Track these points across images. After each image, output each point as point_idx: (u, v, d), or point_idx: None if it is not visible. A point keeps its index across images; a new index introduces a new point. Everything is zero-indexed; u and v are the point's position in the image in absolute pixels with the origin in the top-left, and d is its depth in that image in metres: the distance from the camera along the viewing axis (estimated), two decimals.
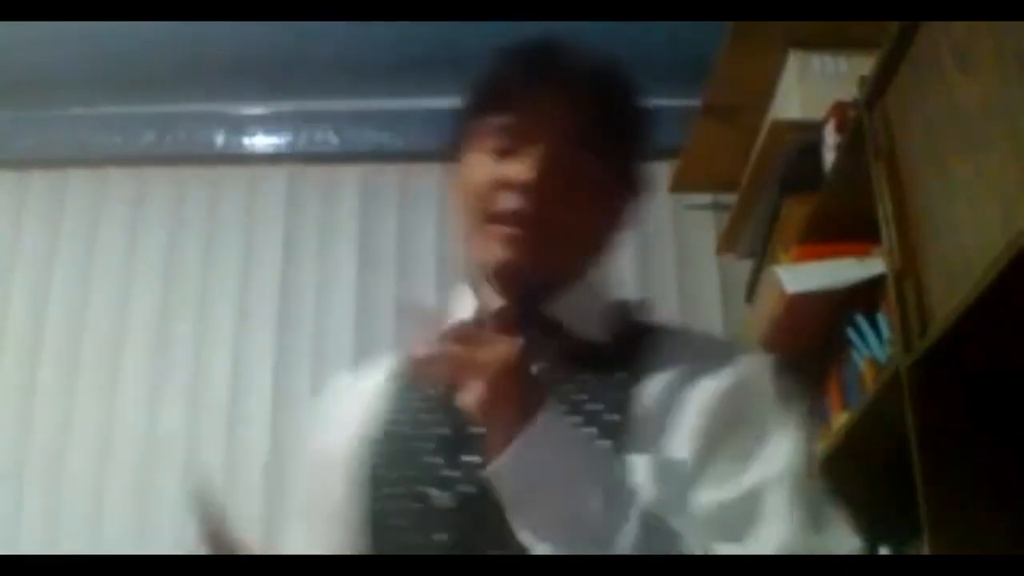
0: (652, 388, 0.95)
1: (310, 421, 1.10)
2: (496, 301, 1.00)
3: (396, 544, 0.92)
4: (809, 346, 2.04)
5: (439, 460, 0.93)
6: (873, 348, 1.66)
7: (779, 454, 0.93)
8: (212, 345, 2.61)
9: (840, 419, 1.81)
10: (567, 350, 0.99)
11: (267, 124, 2.83)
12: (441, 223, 2.70)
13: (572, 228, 0.99)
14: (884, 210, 1.51)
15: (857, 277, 1.74)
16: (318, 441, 1.08)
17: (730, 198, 2.49)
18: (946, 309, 1.31)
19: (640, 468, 0.89)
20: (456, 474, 0.91)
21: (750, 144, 2.25)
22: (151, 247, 2.71)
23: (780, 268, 1.92)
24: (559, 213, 0.97)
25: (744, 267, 2.42)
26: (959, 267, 1.29)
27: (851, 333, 1.73)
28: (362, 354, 2.56)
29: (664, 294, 2.64)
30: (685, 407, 0.94)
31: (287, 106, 2.84)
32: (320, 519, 1.02)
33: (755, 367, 1.00)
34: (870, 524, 1.78)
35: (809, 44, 2.07)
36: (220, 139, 2.82)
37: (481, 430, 0.89)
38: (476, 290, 1.03)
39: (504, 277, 0.98)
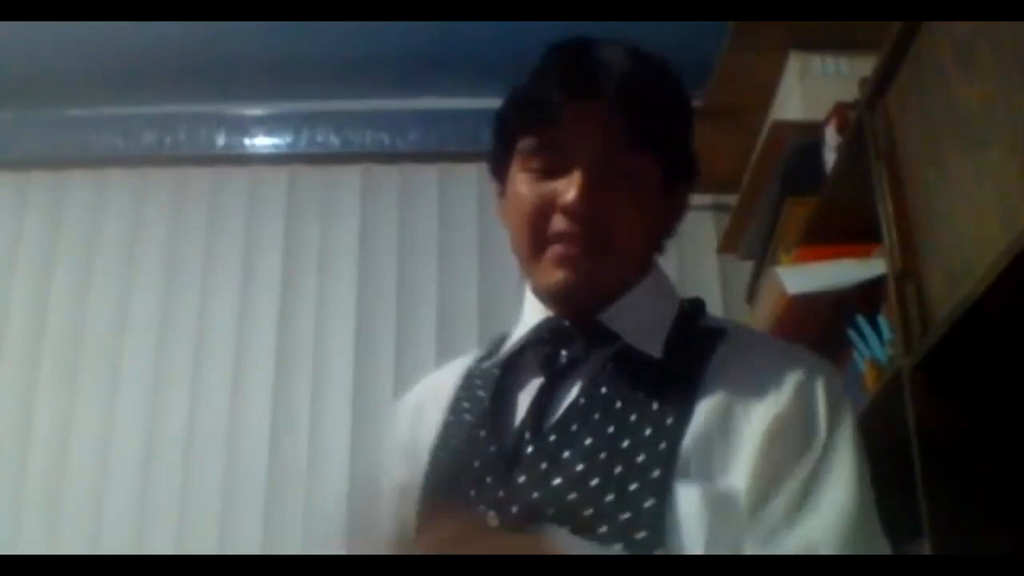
0: (708, 407, 0.92)
1: (395, 411, 1.14)
2: (548, 313, 1.02)
3: None
4: (810, 347, 2.04)
5: (490, 479, 0.93)
6: (874, 349, 1.66)
7: (836, 501, 0.89)
8: (212, 345, 2.60)
9: None
10: (620, 360, 0.98)
11: (267, 124, 2.83)
12: (441, 222, 2.70)
13: (626, 238, 0.99)
14: (885, 211, 1.51)
15: (858, 278, 1.74)
16: (401, 429, 1.09)
17: (731, 199, 2.48)
18: (947, 310, 1.30)
19: (692, 499, 0.86)
20: (503, 494, 0.91)
21: (751, 145, 2.25)
22: (151, 247, 2.71)
23: (781, 269, 1.92)
24: (612, 227, 0.97)
25: (745, 268, 2.42)
26: (960, 267, 1.29)
27: (852, 334, 1.72)
28: (363, 353, 2.57)
29: None
30: (742, 435, 0.90)
31: (287, 106, 2.84)
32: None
33: (816, 381, 0.95)
34: None
35: (810, 44, 2.07)
36: (220, 139, 2.82)
37: (533, 447, 0.91)
38: (535, 300, 1.05)
39: (563, 297, 0.99)
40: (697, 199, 2.68)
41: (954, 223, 1.32)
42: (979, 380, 1.36)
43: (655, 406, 0.92)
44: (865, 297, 1.72)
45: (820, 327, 1.91)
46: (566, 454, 0.90)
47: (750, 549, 0.87)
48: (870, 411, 1.60)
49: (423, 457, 1.01)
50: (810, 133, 1.95)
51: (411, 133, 2.77)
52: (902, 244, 1.47)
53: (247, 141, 2.82)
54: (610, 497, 0.87)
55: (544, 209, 0.97)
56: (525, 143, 0.99)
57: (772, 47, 2.09)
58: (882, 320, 1.64)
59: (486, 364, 1.06)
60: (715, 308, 2.57)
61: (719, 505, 0.87)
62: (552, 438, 0.92)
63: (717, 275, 2.64)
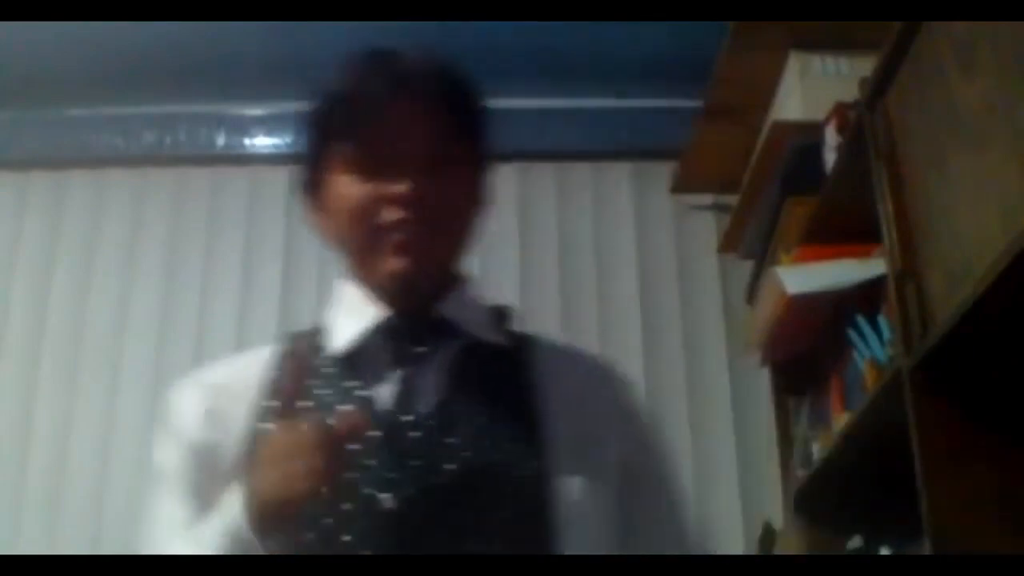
0: (557, 398, 1.02)
1: (174, 412, 1.07)
2: (386, 307, 1.04)
3: (329, 545, 0.92)
4: (810, 347, 2.04)
5: (374, 462, 0.94)
6: (874, 349, 1.66)
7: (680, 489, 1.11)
8: (213, 345, 2.60)
9: (841, 420, 1.80)
10: (468, 351, 1.04)
11: (268, 124, 2.83)
12: None
13: (457, 224, 1.06)
14: (885, 211, 1.51)
15: (858, 278, 1.74)
16: (195, 432, 1.03)
17: (731, 199, 2.49)
18: (947, 310, 1.30)
19: (572, 484, 0.97)
20: (395, 476, 0.94)
21: (751, 145, 2.25)
22: (151, 247, 2.71)
23: (781, 269, 1.92)
24: (442, 213, 1.02)
25: (745, 268, 2.42)
26: (960, 267, 1.29)
27: (852, 334, 1.72)
28: None
29: (664, 294, 2.64)
30: (595, 427, 1.04)
31: (287, 106, 2.83)
32: (202, 509, 0.99)
33: (630, 384, 1.15)
34: (870, 524, 1.79)
35: (810, 45, 2.07)
36: (220, 139, 2.82)
37: (416, 433, 0.95)
38: (363, 295, 1.06)
39: (402, 285, 1.02)
40: (697, 199, 2.72)
41: (954, 223, 1.32)
42: (979, 380, 1.36)
43: (514, 395, 1.02)
44: (865, 297, 1.72)
45: (820, 327, 1.92)
46: (450, 440, 0.96)
47: (648, 540, 1.04)
48: (870, 411, 1.60)
49: (233, 440, 0.99)
50: (810, 133, 1.95)
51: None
52: (902, 244, 1.47)
53: (247, 141, 2.82)
54: (502, 484, 0.95)
55: (375, 204, 1.01)
56: (348, 145, 1.03)
57: (772, 47, 2.09)
58: (882, 320, 1.64)
59: (313, 358, 1.05)
60: (715, 308, 2.62)
61: (595, 489, 0.99)
62: (433, 425, 0.97)
63: (717, 275, 2.65)
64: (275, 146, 2.82)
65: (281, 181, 2.77)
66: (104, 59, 2.64)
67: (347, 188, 1.02)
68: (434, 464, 0.94)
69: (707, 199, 2.70)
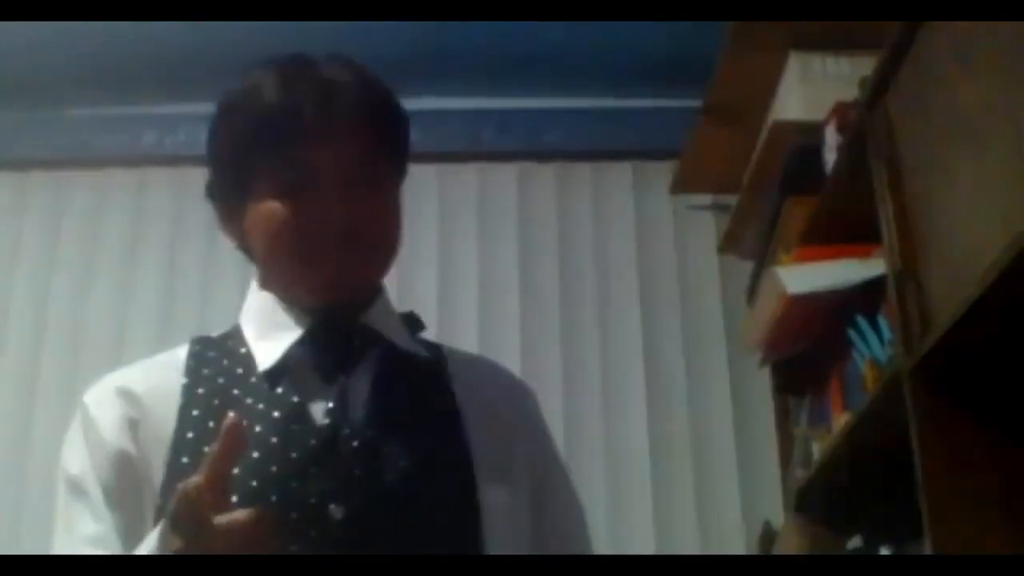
0: (476, 410, 1.05)
1: (90, 419, 1.05)
2: (308, 318, 1.03)
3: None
4: (810, 347, 2.04)
5: (318, 471, 0.94)
6: (874, 349, 1.66)
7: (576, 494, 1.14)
8: None
9: (841, 420, 1.80)
10: (391, 361, 1.04)
11: None
12: (440, 221, 2.70)
13: (381, 239, 1.05)
14: (885, 211, 1.51)
15: (858, 278, 1.74)
16: (111, 440, 1.01)
17: (731, 199, 2.48)
18: (947, 310, 1.30)
19: (497, 490, 1.00)
20: (339, 486, 0.93)
21: (751, 145, 2.25)
22: (152, 247, 2.71)
23: (781, 269, 1.92)
24: (367, 230, 1.01)
25: (745, 268, 2.42)
26: (960, 268, 1.29)
27: (852, 334, 1.72)
28: None
29: (664, 294, 2.64)
30: (510, 438, 1.06)
31: None
32: (119, 518, 0.97)
33: (524, 385, 1.18)
34: (870, 524, 1.79)
35: (810, 45, 2.07)
36: None
37: (354, 443, 0.96)
38: (283, 305, 1.05)
39: (327, 301, 1.02)
40: (697, 199, 2.72)
41: (954, 223, 1.32)
42: (979, 380, 1.36)
43: (437, 405, 1.04)
44: (865, 297, 1.72)
45: (820, 327, 1.91)
46: (388, 449, 0.96)
47: (559, 539, 1.07)
48: (870, 411, 1.60)
49: (158, 448, 0.98)
50: (810, 133, 1.95)
51: (411, 133, 2.76)
52: (902, 244, 1.47)
53: None
54: (438, 493, 0.97)
55: (300, 221, 0.99)
56: (270, 161, 1.01)
57: (772, 47, 2.09)
58: (882, 320, 1.64)
59: (238, 368, 1.03)
60: (715, 308, 2.62)
61: (514, 494, 1.02)
62: (370, 434, 0.97)
63: (717, 275, 2.65)
64: None
65: None
66: (104, 59, 2.64)
67: (271, 204, 1.01)
68: (376, 474, 0.95)
69: (707, 199, 2.70)
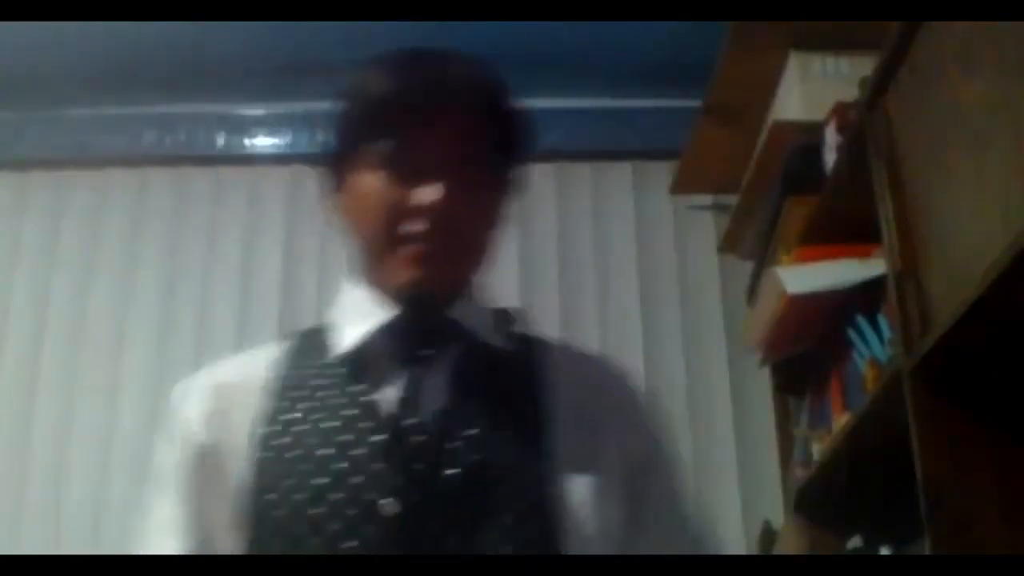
0: (564, 402, 1.01)
1: (178, 412, 1.06)
2: (394, 309, 1.03)
3: (333, 551, 0.91)
4: (810, 347, 2.04)
5: (379, 467, 0.93)
6: (874, 349, 1.66)
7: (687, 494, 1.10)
8: (212, 345, 2.60)
9: (841, 420, 1.80)
10: (473, 354, 1.02)
11: (268, 125, 2.83)
12: None
13: (476, 238, 1.04)
14: (885, 211, 1.51)
15: (858, 278, 1.74)
16: (197, 434, 1.02)
17: (731, 199, 2.49)
18: (947, 310, 1.30)
19: (580, 487, 0.96)
20: (399, 481, 0.93)
21: (751, 145, 2.25)
22: (152, 248, 2.71)
23: (781, 269, 1.92)
24: (463, 231, 1.01)
25: (745, 268, 2.42)
26: (960, 267, 1.29)
27: (852, 334, 1.72)
28: None
29: (664, 294, 2.64)
30: (603, 432, 1.02)
31: (288, 107, 2.83)
32: (200, 513, 1.00)
33: (632, 379, 1.13)
34: (870, 524, 1.79)
35: (810, 45, 2.07)
36: (221, 140, 2.82)
37: (421, 437, 0.94)
38: (371, 295, 1.05)
39: (415, 295, 1.01)
40: (697, 199, 2.72)
41: (954, 223, 1.32)
42: (979, 380, 1.36)
43: (519, 399, 1.01)
44: (865, 297, 1.72)
45: (820, 327, 1.92)
46: (455, 444, 0.95)
47: (648, 540, 1.01)
48: (870, 411, 1.60)
49: (237, 441, 0.98)
50: (810, 133, 1.95)
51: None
52: (902, 244, 1.47)
53: (247, 141, 2.82)
54: (508, 488, 0.93)
55: (398, 210, 0.99)
56: (380, 144, 1.01)
57: (772, 47, 2.09)
58: (882, 320, 1.64)
59: (318, 358, 1.04)
60: (715, 308, 2.62)
61: (602, 493, 0.97)
62: (438, 428, 0.95)
63: (717, 275, 2.65)
64: (275, 146, 2.82)
65: (281, 181, 2.77)
66: (104, 59, 2.64)
67: (372, 189, 1.01)
68: (437, 469, 0.93)
69: (707, 199, 2.70)
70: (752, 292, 2.27)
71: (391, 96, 1.01)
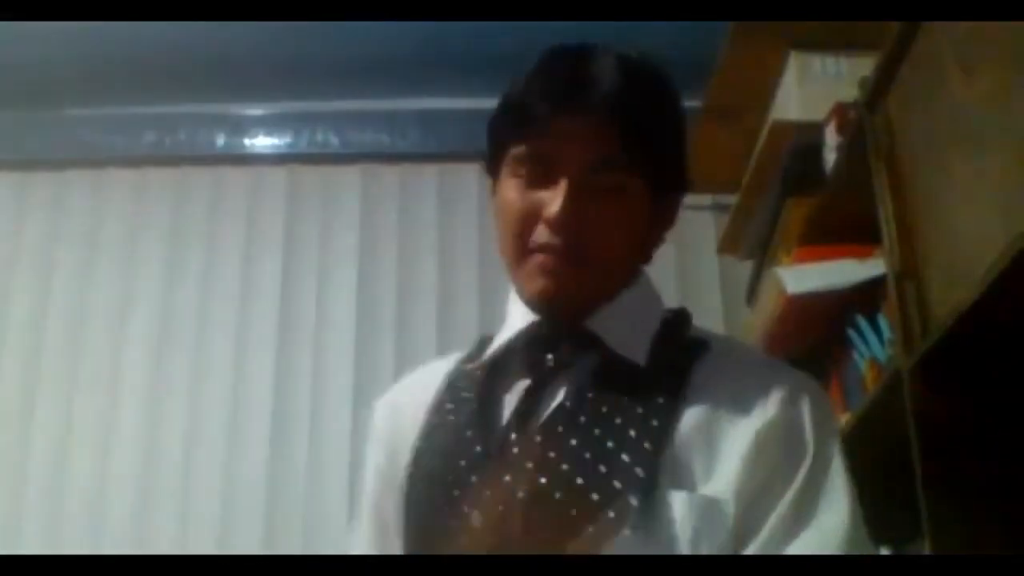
0: (692, 417, 0.94)
1: (370, 434, 1.13)
2: (534, 317, 1.02)
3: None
4: (810, 347, 2.04)
5: (475, 478, 0.94)
6: (874, 349, 1.66)
7: (833, 520, 0.91)
8: (213, 345, 2.61)
9: (841, 420, 1.80)
10: (605, 366, 0.99)
11: (267, 125, 2.83)
12: (441, 222, 2.70)
13: (606, 253, 1.00)
14: (885, 211, 1.51)
15: (858, 278, 1.74)
16: (379, 457, 1.09)
17: (731, 199, 2.48)
18: (947, 310, 1.30)
19: (677, 503, 0.89)
20: (489, 492, 0.92)
21: (751, 145, 2.25)
22: (152, 248, 2.72)
23: (781, 269, 1.92)
24: (593, 241, 0.98)
25: (745, 268, 2.42)
26: (960, 268, 1.29)
27: (852, 334, 1.72)
28: (363, 353, 2.57)
29: (664, 294, 2.63)
30: (728, 444, 0.93)
31: (287, 107, 2.84)
32: (382, 535, 1.05)
33: (802, 398, 0.97)
34: (870, 524, 1.78)
35: (810, 45, 2.07)
36: (220, 140, 2.82)
37: (517, 448, 0.93)
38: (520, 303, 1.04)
39: (542, 306, 1.00)
40: (697, 199, 2.72)
41: (954, 223, 1.32)
42: (979, 380, 1.36)
43: (639, 411, 0.94)
44: (865, 297, 1.72)
45: (820, 327, 1.91)
46: (551, 454, 0.92)
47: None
48: (870, 411, 1.60)
49: (403, 457, 1.02)
50: (810, 133, 1.95)
51: (411, 133, 2.77)
52: (902, 244, 1.47)
53: (247, 141, 2.82)
54: (595, 496, 0.89)
55: (529, 217, 0.98)
56: (515, 150, 1.00)
57: (772, 47, 2.09)
58: (882, 320, 1.64)
59: (469, 366, 1.06)
60: (715, 308, 2.62)
61: (704, 510, 0.89)
62: (538, 439, 0.93)
63: (717, 275, 2.65)
64: (275, 146, 2.82)
65: (281, 181, 2.78)
66: (104, 59, 2.64)
67: (510, 192, 1.00)
68: (522, 483, 0.91)
69: (707, 199, 2.70)
70: (752, 292, 2.27)
71: (523, 100, 0.99)
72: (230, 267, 2.69)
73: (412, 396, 1.08)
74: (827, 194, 1.84)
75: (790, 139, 2.04)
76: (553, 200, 0.96)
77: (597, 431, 0.93)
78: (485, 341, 1.09)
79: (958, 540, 1.30)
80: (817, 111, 1.93)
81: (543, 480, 0.91)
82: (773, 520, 0.90)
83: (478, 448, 0.95)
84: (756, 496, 0.91)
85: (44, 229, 2.74)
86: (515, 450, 0.93)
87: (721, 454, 0.92)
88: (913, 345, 1.41)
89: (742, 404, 0.95)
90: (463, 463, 0.95)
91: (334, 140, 2.80)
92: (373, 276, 2.66)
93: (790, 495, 0.91)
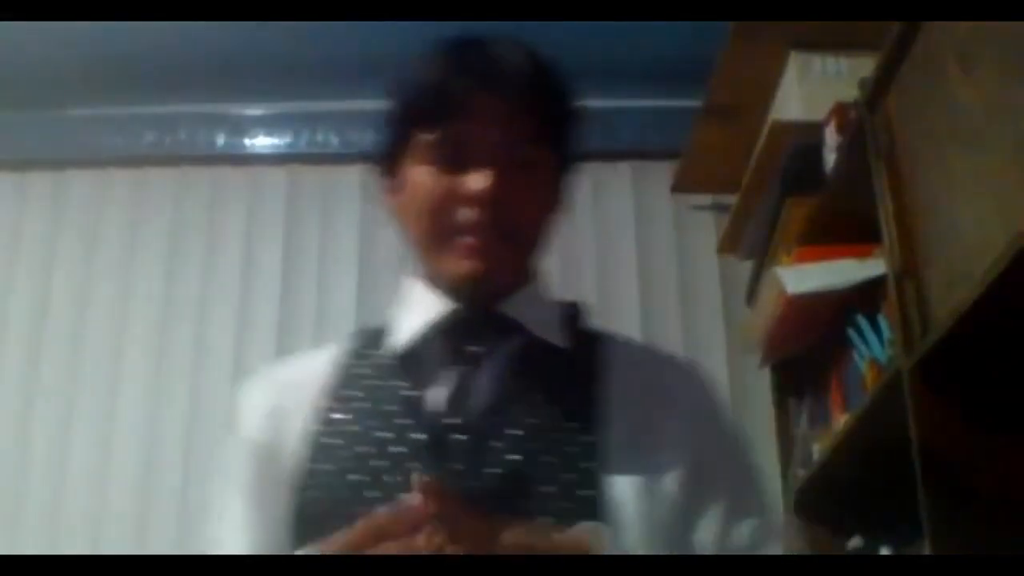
0: (619, 400, 0.97)
1: (241, 410, 1.07)
2: (449, 304, 1.02)
3: None
4: (810, 347, 2.04)
5: (418, 466, 0.91)
6: (874, 349, 1.66)
7: (765, 502, 1.03)
8: (212, 345, 2.61)
9: (841, 420, 1.80)
10: (528, 350, 1.00)
11: (267, 125, 2.83)
12: None
13: (531, 228, 1.02)
14: (885, 211, 1.51)
15: (858, 278, 1.74)
16: (257, 431, 1.03)
17: (731, 199, 2.49)
18: (947, 310, 1.30)
19: (623, 488, 0.91)
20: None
21: (751, 145, 2.25)
22: (152, 248, 2.72)
23: (781, 269, 1.92)
24: (518, 217, 0.99)
25: (745, 268, 2.42)
26: (960, 267, 1.29)
27: (852, 334, 1.72)
28: None
29: (664, 294, 2.64)
30: (658, 426, 0.98)
31: (287, 106, 2.84)
32: (260, 509, 0.99)
33: (710, 382, 1.08)
34: (870, 524, 1.79)
35: (810, 44, 2.07)
36: (220, 139, 2.82)
37: (461, 436, 0.92)
38: (428, 291, 1.04)
39: (470, 287, 1.00)
40: (697, 199, 2.72)
41: (954, 223, 1.32)
42: (979, 380, 1.36)
43: (572, 397, 0.97)
44: (865, 297, 1.72)
45: (820, 327, 1.92)
46: (497, 444, 0.92)
47: (692, 540, 0.95)
48: (870, 411, 1.60)
49: (289, 437, 0.99)
50: (810, 133, 1.95)
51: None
52: (902, 244, 1.47)
53: (247, 141, 2.82)
54: (548, 488, 0.90)
55: (449, 200, 0.98)
56: (428, 135, 1.00)
57: (772, 47, 2.09)
58: (882, 320, 1.64)
59: (372, 356, 1.04)
60: (715, 308, 2.62)
61: (648, 493, 0.92)
62: (480, 427, 0.93)
63: (717, 275, 2.64)
64: (275, 146, 2.82)
65: (281, 181, 2.78)
66: (104, 59, 2.64)
67: (423, 179, 1.00)
68: (477, 469, 0.91)
69: (707, 199, 2.70)
70: (752, 292, 2.27)
71: (434, 86, 1.00)
72: (230, 267, 2.69)
73: (296, 378, 1.06)
74: (827, 194, 1.84)
75: (790, 139, 2.04)
76: (477, 179, 0.96)
77: (535, 420, 0.94)
78: (373, 332, 1.08)
79: (958, 540, 1.30)
80: (817, 111, 1.93)
81: (494, 470, 0.91)
82: (719, 496, 0.97)
83: (417, 436, 0.94)
84: (695, 475, 0.96)
85: (44, 229, 2.73)
86: (459, 438, 0.93)
87: (654, 436, 0.97)
88: (913, 345, 1.41)
89: (662, 388, 1.02)
90: (398, 450, 0.93)
91: (334, 140, 2.80)
92: (373, 275, 2.65)
93: (728, 473, 1.01)
